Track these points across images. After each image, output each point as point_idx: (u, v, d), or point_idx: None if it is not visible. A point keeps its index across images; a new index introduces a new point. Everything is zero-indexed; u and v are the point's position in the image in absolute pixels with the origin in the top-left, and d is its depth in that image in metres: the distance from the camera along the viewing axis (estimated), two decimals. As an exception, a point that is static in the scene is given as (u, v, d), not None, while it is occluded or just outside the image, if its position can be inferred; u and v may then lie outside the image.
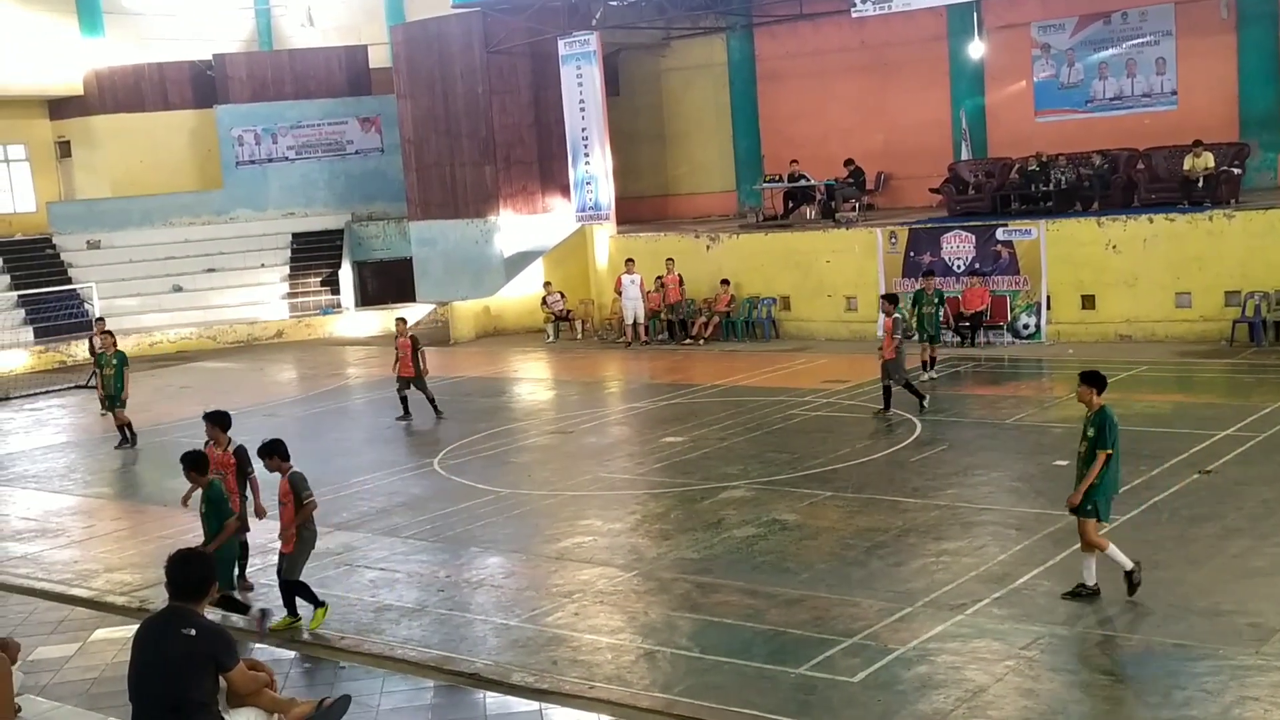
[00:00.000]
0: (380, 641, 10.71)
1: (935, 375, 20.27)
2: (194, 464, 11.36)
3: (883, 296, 20.23)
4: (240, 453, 12.21)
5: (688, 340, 26.42)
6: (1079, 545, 10.49)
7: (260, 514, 12.30)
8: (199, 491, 11.40)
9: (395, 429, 20.17)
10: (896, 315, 18.19)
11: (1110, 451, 10.14)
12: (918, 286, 21.46)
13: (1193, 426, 15.82)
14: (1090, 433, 10.24)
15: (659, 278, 27.01)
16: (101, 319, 21.84)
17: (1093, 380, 10.43)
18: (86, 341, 23.98)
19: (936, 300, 20.42)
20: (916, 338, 20.28)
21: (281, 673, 9.25)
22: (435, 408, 20.34)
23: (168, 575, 6.60)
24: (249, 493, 12.26)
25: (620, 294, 27.14)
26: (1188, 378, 19.73)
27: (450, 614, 11.30)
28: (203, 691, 6.25)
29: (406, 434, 19.88)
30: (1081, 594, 10.37)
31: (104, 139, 36.62)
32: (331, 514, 14.33)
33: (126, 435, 20.20)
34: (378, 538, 13.76)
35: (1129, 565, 10.27)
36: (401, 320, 21.32)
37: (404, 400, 20.46)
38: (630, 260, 27.01)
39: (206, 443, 12.22)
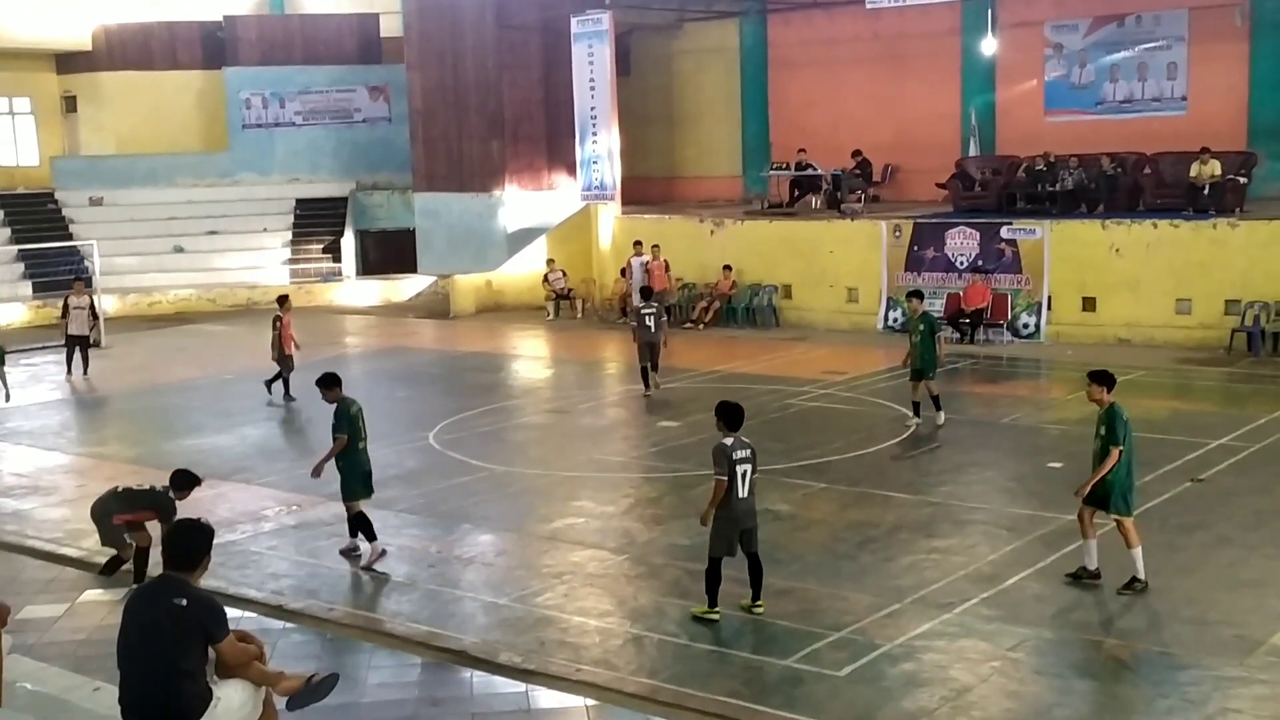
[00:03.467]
0: (369, 615, 10.75)
1: (918, 423, 16.70)
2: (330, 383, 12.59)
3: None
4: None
5: (688, 324, 26.34)
6: (1079, 535, 10.84)
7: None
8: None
9: (392, 401, 20.15)
10: None
11: (1121, 448, 10.41)
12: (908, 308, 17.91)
13: (1187, 434, 15.85)
14: (1102, 430, 10.53)
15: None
16: None
17: (1101, 379, 10.76)
18: (61, 301, 23.85)
19: (923, 328, 16.59)
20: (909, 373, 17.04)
21: (270, 643, 9.26)
22: None
23: (164, 544, 6.60)
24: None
25: (626, 275, 26.93)
26: (1184, 385, 19.74)
27: (440, 590, 11.33)
28: (191, 661, 6.26)
29: (403, 407, 19.87)
30: (1082, 577, 10.75)
31: (110, 96, 36.47)
32: (324, 484, 14.32)
33: None
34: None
35: (1141, 575, 10.57)
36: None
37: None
38: (639, 242, 26.92)
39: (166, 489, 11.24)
